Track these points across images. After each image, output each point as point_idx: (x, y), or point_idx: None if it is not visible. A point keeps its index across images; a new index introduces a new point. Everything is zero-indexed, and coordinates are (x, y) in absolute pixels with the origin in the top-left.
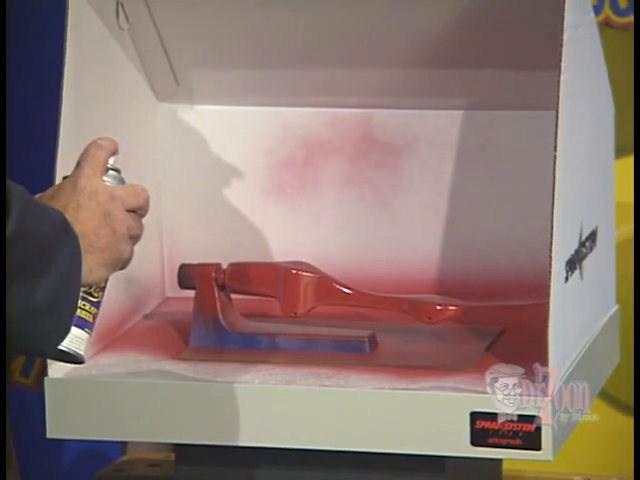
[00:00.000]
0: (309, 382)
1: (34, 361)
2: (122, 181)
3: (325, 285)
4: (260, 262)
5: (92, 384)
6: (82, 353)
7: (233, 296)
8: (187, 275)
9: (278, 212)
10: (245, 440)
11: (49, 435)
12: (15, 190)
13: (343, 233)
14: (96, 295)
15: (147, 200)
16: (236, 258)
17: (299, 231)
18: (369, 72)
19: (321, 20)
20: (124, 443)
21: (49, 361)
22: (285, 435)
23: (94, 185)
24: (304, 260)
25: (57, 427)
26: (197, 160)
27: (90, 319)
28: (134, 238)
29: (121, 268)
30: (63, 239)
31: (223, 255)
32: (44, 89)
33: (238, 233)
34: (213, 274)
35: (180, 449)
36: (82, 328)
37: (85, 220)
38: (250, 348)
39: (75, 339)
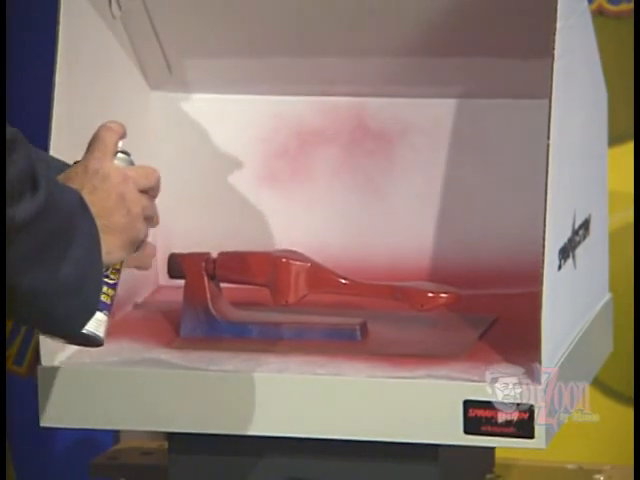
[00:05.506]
0: (302, 370)
1: (27, 349)
2: (132, 163)
3: (316, 273)
4: (250, 251)
5: (85, 372)
6: (102, 335)
7: (224, 285)
8: (177, 264)
9: (271, 201)
10: (238, 428)
11: (42, 424)
12: (40, 167)
13: (336, 222)
14: (113, 277)
15: (158, 180)
16: (229, 246)
17: (292, 220)
18: (363, 60)
19: (315, 8)
20: (117, 432)
21: (42, 350)
22: (278, 423)
23: (106, 167)
24: (297, 249)
25: (50, 416)
26: (190, 148)
27: (108, 301)
28: (148, 218)
29: (136, 249)
30: (82, 218)
31: (216, 243)
32: (36, 78)
33: (231, 222)
34: (203, 263)
35: (174, 437)
36: (101, 310)
37: (101, 202)
38: (241, 337)
39: (94, 321)
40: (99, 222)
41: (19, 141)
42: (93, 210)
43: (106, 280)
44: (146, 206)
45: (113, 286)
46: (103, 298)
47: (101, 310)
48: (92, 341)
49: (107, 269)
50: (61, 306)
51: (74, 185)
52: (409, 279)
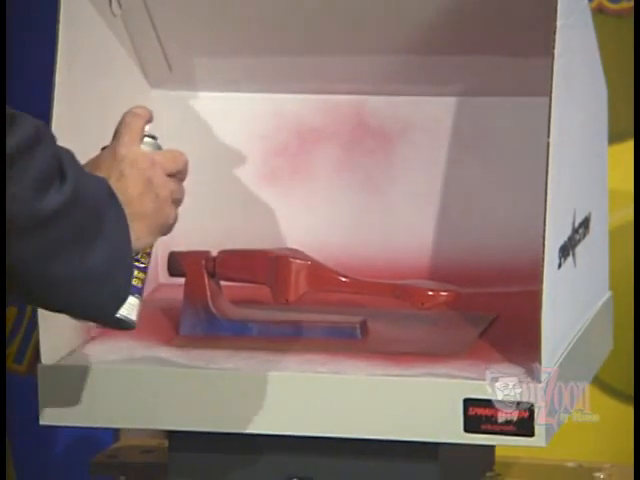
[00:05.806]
0: (303, 369)
1: (27, 348)
2: (159, 147)
3: (316, 272)
4: (250, 249)
5: (85, 371)
6: (134, 319)
7: (224, 283)
8: (177, 262)
9: (271, 199)
10: (238, 427)
11: (42, 422)
12: (66, 157)
13: (336, 220)
14: (143, 261)
15: (186, 164)
16: (229, 244)
17: (293, 218)
18: (363, 59)
19: (315, 7)
20: (117, 430)
21: (42, 348)
22: (278, 422)
23: (134, 153)
24: (297, 247)
25: (50, 414)
26: (190, 146)
27: (139, 285)
28: (177, 202)
29: (166, 233)
30: (110, 207)
31: (216, 241)
32: (36, 78)
33: (231, 220)
34: (203, 261)
35: (174, 436)
36: (132, 294)
37: (129, 188)
38: (241, 335)
39: (127, 305)
40: (127, 209)
41: (45, 133)
42: (121, 197)
43: (137, 264)
44: (174, 190)
45: (144, 270)
46: (134, 282)
47: (133, 294)
48: (125, 325)
49: (137, 253)
50: (91, 293)
51: (102, 172)
52: (409, 277)
